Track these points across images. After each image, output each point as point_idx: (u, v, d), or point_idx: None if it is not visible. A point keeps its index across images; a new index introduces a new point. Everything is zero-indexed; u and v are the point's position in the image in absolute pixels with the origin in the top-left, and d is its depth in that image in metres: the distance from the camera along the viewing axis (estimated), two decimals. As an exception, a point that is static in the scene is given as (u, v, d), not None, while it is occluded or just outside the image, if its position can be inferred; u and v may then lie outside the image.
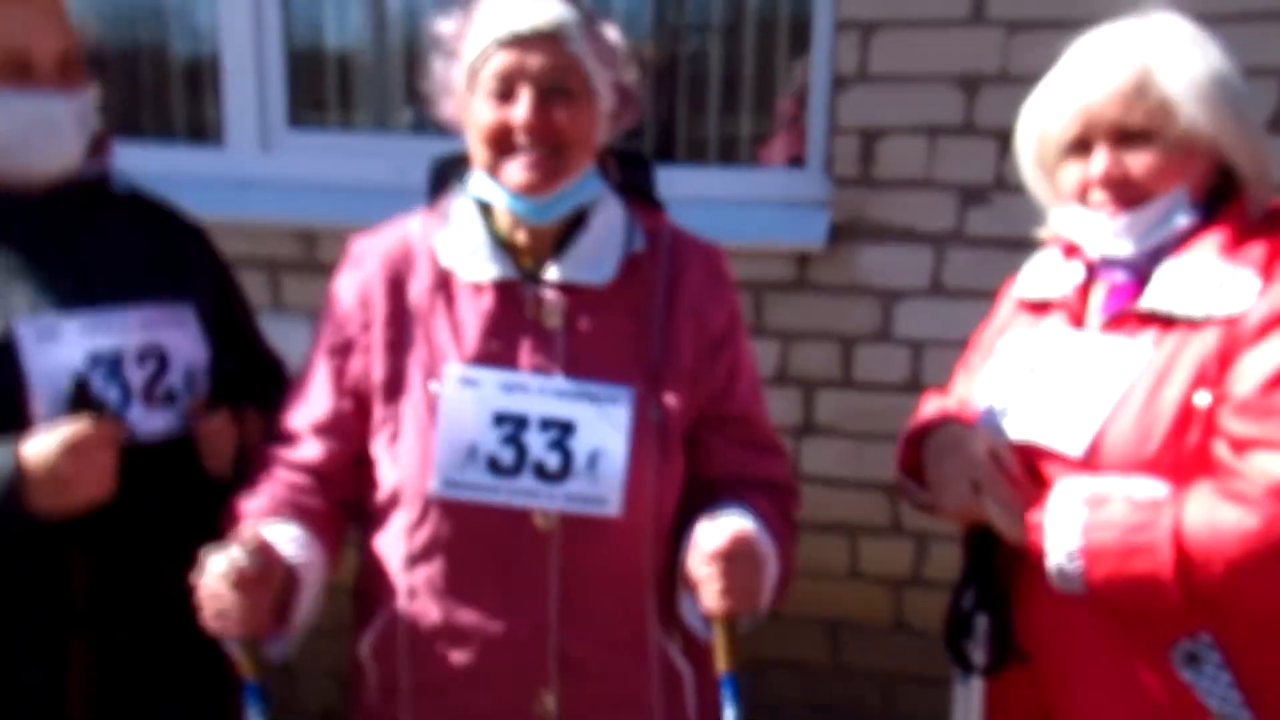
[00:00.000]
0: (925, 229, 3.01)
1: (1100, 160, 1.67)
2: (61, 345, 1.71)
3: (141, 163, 2.10)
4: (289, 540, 1.67)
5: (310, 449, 1.77)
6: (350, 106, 3.56)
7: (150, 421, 1.78)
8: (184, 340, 1.84)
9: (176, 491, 1.81)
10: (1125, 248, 1.69)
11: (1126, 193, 1.66)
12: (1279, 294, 1.56)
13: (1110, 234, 1.69)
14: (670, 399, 1.72)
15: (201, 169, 3.37)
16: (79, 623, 1.75)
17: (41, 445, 1.63)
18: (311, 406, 1.78)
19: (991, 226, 2.94)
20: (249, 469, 1.83)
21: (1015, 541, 1.66)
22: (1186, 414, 1.57)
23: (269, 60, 3.38)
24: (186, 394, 1.83)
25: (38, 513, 1.63)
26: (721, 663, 1.63)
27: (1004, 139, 2.86)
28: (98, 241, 1.83)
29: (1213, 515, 1.50)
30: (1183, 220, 1.66)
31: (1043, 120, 1.74)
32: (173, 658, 1.86)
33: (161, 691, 1.86)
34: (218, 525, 1.84)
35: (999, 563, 1.74)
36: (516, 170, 1.67)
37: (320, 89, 3.52)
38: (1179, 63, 1.63)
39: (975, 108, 2.93)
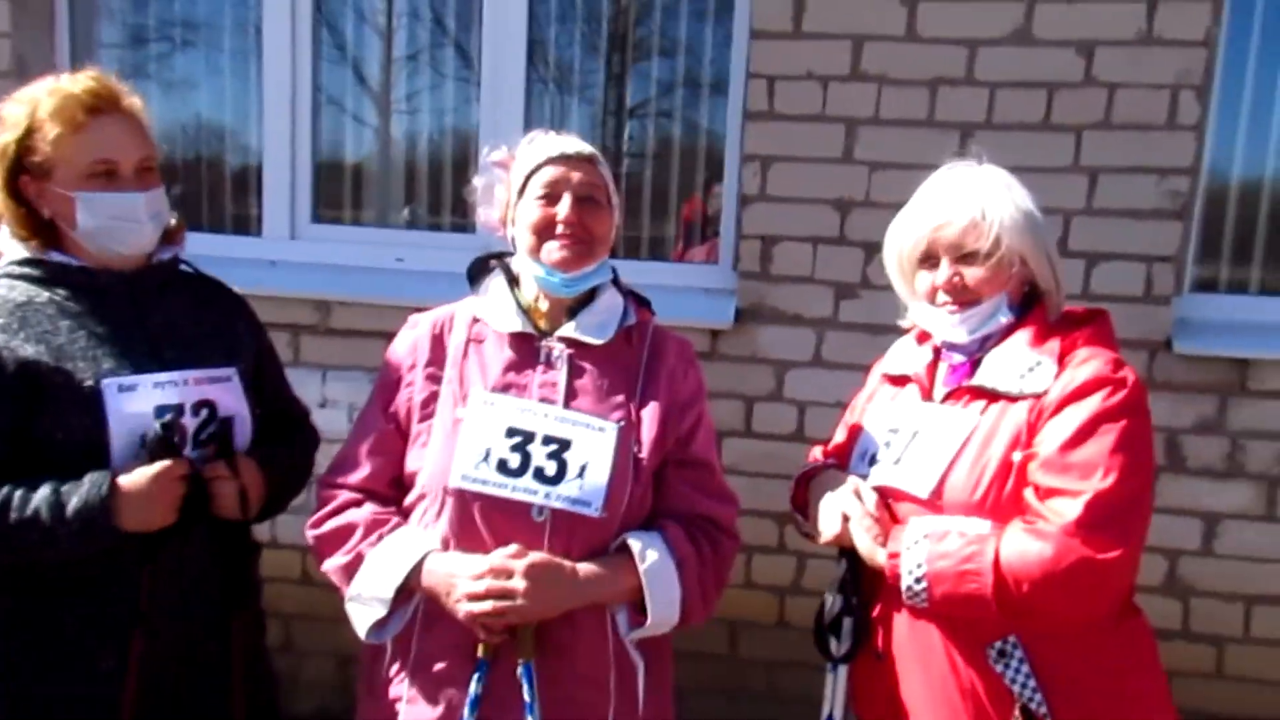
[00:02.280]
0: (809, 315, 3.05)
1: (944, 272, 1.72)
2: (136, 398, 1.67)
3: (198, 247, 2.07)
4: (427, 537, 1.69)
5: (364, 470, 1.75)
6: (360, 206, 3.52)
7: (199, 461, 1.74)
8: (228, 396, 1.79)
9: (213, 522, 1.76)
10: (961, 336, 1.74)
11: (964, 296, 1.72)
12: (1069, 379, 1.62)
13: (951, 326, 1.74)
14: (645, 436, 1.72)
15: (243, 252, 3.33)
16: (141, 620, 1.71)
17: (136, 476, 1.63)
18: (365, 435, 1.78)
19: (858, 315, 2.99)
20: (250, 510, 1.79)
21: (875, 565, 1.68)
22: (1006, 467, 1.62)
23: (300, 170, 3.37)
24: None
25: (121, 529, 1.61)
26: (519, 653, 1.64)
27: (868, 249, 2.94)
28: (167, 314, 1.80)
29: (1022, 547, 1.54)
30: (1003, 319, 1.72)
31: (902, 240, 1.79)
32: (209, 654, 1.81)
33: (200, 682, 1.80)
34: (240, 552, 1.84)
35: (863, 580, 1.75)
36: (555, 251, 1.72)
37: (338, 193, 3.50)
38: (1001, 203, 1.70)
39: (846, 224, 2.99)
